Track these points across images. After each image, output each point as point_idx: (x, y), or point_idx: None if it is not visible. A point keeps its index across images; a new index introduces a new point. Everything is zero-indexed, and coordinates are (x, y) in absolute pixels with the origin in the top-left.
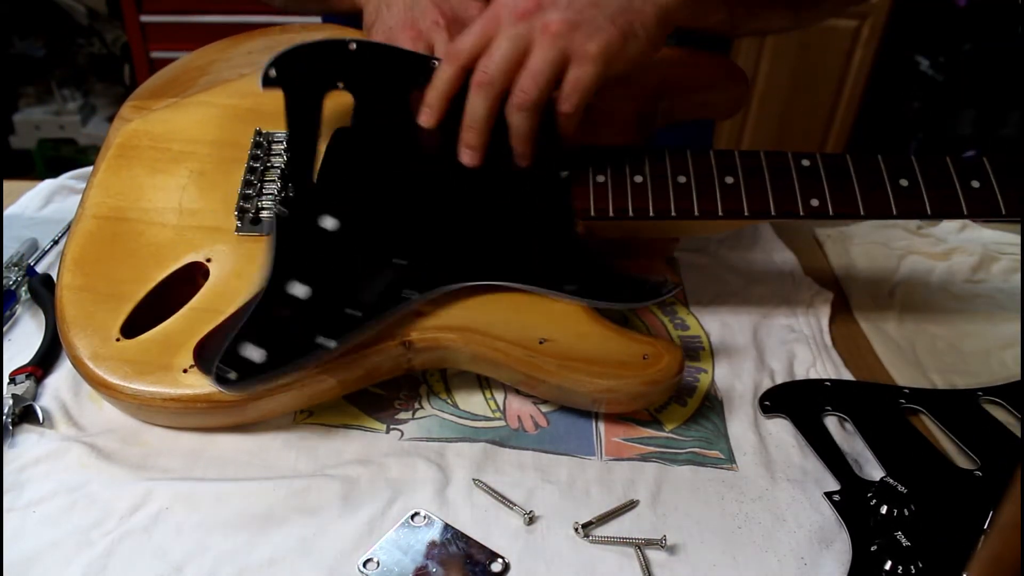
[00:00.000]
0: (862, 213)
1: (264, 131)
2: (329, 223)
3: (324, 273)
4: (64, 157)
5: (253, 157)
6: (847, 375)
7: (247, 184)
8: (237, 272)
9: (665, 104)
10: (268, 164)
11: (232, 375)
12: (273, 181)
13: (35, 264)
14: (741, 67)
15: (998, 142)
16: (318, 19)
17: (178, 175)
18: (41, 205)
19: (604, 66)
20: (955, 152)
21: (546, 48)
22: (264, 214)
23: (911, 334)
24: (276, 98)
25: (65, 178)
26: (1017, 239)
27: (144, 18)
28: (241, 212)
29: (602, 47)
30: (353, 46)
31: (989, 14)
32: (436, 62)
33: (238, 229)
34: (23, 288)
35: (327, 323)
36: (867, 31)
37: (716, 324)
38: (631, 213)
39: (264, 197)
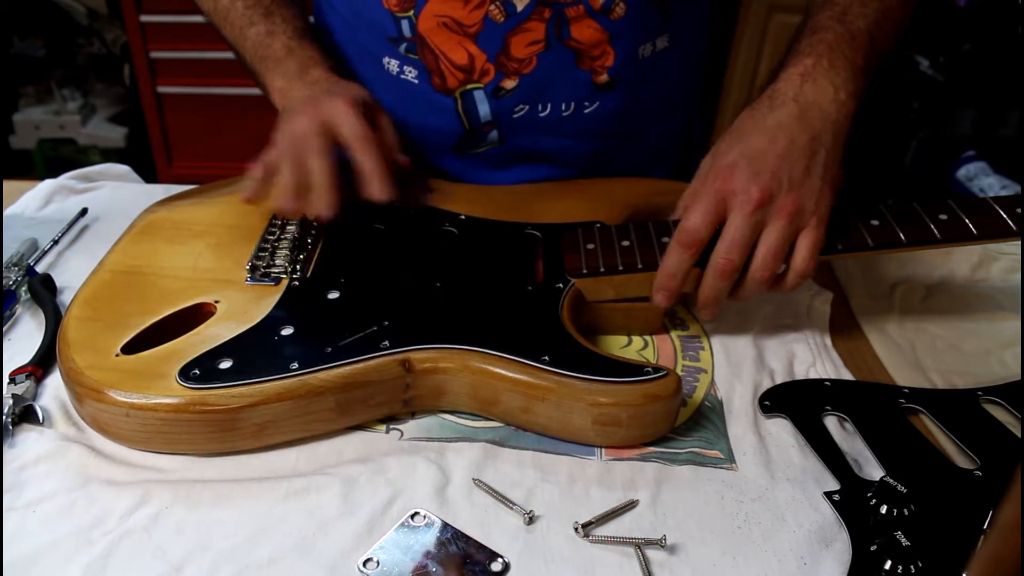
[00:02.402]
0: (839, 248)
1: (280, 219)
2: (332, 295)
3: (311, 322)
4: (64, 157)
5: (268, 231)
6: (847, 375)
7: (261, 248)
8: (245, 310)
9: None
10: (282, 236)
11: (196, 371)
12: (286, 249)
13: (35, 264)
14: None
15: (998, 142)
16: None
17: (195, 246)
18: (41, 205)
19: (827, 221)
20: (955, 152)
21: (783, 229)
22: (275, 271)
23: (911, 334)
24: None
25: (65, 178)
26: (1017, 239)
27: (144, 18)
28: (253, 268)
29: (827, 210)
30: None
31: (989, 14)
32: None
33: (248, 280)
34: (23, 288)
35: (299, 355)
36: None
37: (716, 324)
38: (620, 267)
39: (277, 256)
